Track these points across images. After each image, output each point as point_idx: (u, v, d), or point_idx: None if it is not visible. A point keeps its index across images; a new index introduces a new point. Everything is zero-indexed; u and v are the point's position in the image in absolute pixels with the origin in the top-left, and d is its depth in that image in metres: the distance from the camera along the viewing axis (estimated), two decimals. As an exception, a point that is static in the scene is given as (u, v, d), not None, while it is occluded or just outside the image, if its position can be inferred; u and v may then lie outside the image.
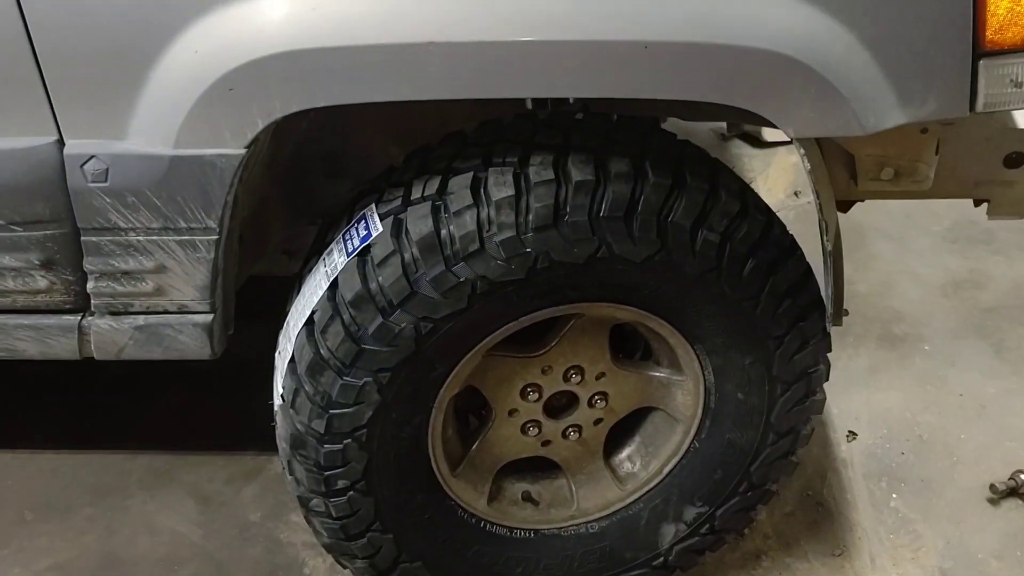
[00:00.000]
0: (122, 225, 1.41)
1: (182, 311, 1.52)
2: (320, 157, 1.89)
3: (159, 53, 1.30)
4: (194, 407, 2.30)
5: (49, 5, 1.28)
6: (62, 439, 2.21)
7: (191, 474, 2.13)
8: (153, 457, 2.17)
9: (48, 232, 1.43)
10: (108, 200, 1.38)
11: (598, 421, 1.67)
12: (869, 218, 2.84)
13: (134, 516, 2.03)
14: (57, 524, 2.01)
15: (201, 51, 1.29)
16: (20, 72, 1.32)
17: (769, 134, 3.08)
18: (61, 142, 1.37)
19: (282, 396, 1.52)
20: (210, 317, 1.52)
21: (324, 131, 1.82)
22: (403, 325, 1.41)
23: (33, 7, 1.28)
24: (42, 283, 1.49)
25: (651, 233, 1.41)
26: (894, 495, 2.07)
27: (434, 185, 1.43)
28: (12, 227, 1.42)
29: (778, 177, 3.05)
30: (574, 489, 1.73)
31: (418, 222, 1.40)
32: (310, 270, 1.55)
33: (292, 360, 1.49)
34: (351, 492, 1.53)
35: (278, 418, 1.56)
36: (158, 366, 1.63)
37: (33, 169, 1.38)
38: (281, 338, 1.57)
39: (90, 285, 1.49)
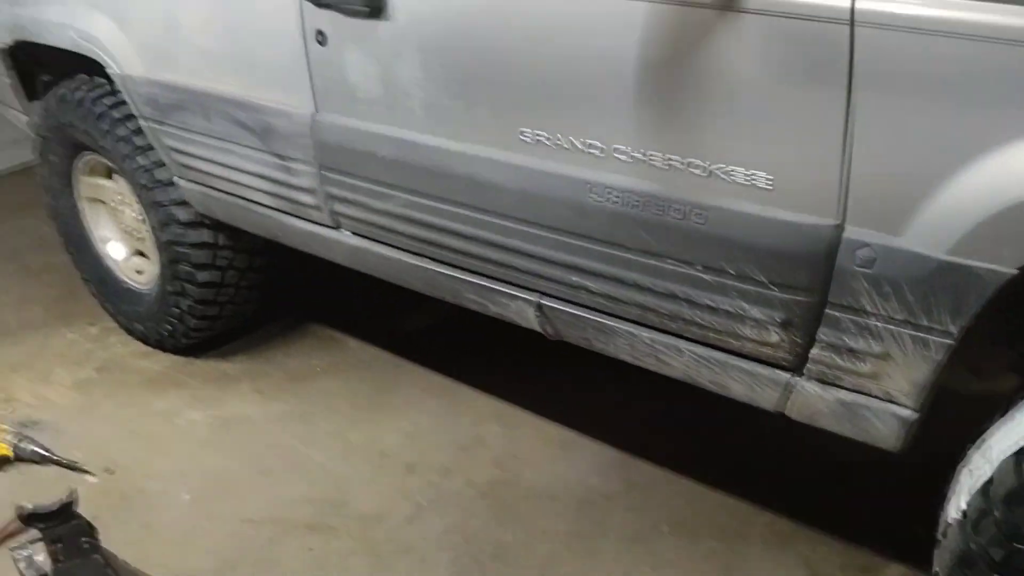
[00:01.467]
0: (868, 309, 1.54)
1: (887, 399, 1.61)
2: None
3: (956, 171, 1.40)
4: (834, 491, 2.41)
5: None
6: (705, 473, 2.47)
7: (806, 548, 2.23)
8: (776, 518, 2.32)
9: (798, 298, 1.62)
10: (865, 285, 1.52)
11: None
12: None
13: (750, 565, 2.18)
14: (685, 544, 2.26)
15: (998, 175, 1.37)
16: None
17: None
18: (841, 227, 1.54)
19: (964, 513, 1.52)
20: (912, 414, 1.59)
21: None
22: None
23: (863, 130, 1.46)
24: (774, 338, 1.69)
25: None
26: None
27: None
28: (771, 286, 1.64)
29: None
30: None
31: None
32: None
33: (989, 482, 1.48)
34: (1014, 633, 1.47)
35: (950, 531, 1.55)
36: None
37: (810, 244, 1.57)
38: (976, 455, 1.56)
39: (814, 351, 1.65)
